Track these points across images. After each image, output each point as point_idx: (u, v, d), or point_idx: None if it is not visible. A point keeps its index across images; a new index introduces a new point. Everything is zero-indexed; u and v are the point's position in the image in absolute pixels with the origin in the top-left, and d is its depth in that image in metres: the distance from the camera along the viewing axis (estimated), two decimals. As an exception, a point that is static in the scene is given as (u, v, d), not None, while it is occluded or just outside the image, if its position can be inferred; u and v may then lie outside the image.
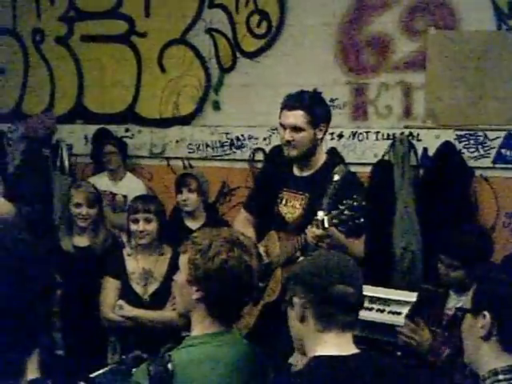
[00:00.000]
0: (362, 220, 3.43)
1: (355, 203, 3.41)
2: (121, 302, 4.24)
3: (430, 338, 3.70)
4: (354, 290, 2.23)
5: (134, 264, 4.35)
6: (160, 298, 4.24)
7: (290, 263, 3.77)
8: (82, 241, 4.60)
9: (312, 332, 2.25)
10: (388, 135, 5.52)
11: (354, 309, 2.27)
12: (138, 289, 4.31)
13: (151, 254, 4.36)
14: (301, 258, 2.37)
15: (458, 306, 3.57)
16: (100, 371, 3.60)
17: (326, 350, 2.21)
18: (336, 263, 2.29)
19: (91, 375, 3.49)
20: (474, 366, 2.36)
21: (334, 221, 3.47)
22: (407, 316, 4.06)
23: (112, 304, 4.26)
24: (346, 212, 3.42)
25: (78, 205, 4.55)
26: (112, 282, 4.32)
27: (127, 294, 4.29)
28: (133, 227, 4.32)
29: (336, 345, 2.21)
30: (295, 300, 2.27)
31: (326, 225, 3.48)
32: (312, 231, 3.54)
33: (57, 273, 1.82)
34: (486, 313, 2.29)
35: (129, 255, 4.38)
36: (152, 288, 4.30)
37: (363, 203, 3.42)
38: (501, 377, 2.23)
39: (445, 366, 3.56)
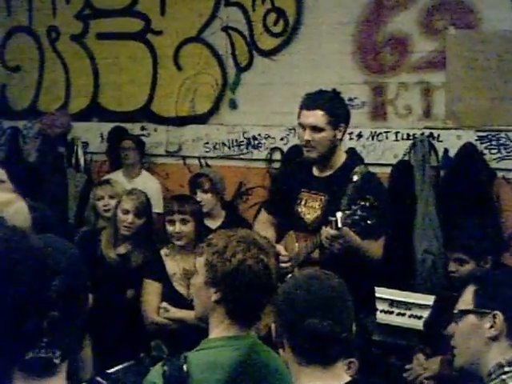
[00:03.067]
0: (374, 220, 3.40)
1: (367, 203, 3.39)
2: (165, 304, 4.19)
3: (436, 367, 3.78)
4: (330, 323, 2.04)
5: (174, 265, 4.28)
6: None
7: (306, 263, 3.75)
8: (120, 249, 4.50)
9: (292, 363, 2.12)
10: (408, 135, 5.45)
11: (334, 342, 2.07)
12: (181, 290, 4.24)
13: (190, 253, 4.21)
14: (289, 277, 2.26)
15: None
16: (117, 367, 3.57)
17: (309, 383, 2.08)
18: (313, 292, 2.09)
19: (108, 371, 3.46)
20: (475, 368, 2.31)
21: (347, 221, 3.45)
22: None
23: (155, 307, 4.20)
24: (358, 212, 3.40)
25: (126, 211, 4.42)
26: (153, 284, 4.25)
27: (170, 296, 4.22)
28: (169, 228, 4.24)
29: (320, 378, 2.07)
30: (273, 326, 2.15)
31: (340, 225, 3.46)
32: (326, 231, 3.52)
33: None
34: (498, 312, 2.25)
35: (167, 256, 4.31)
36: None
37: (375, 203, 3.39)
38: (507, 368, 2.20)
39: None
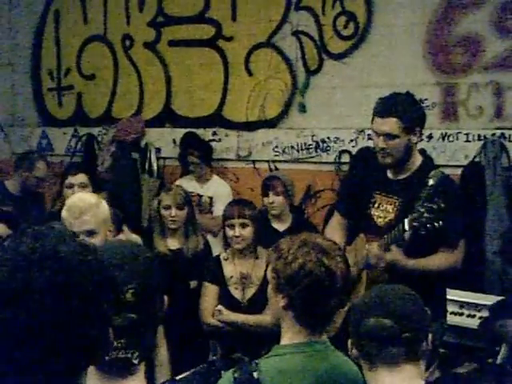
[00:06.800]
0: (441, 223, 3.34)
1: (435, 206, 3.34)
2: (220, 307, 4.29)
3: None
4: (389, 321, 2.09)
5: (231, 268, 4.37)
6: (258, 302, 4.21)
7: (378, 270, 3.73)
8: (173, 243, 4.68)
9: (364, 370, 2.17)
10: (479, 136, 5.38)
11: (395, 342, 2.09)
12: (236, 293, 4.34)
13: (248, 257, 4.37)
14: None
15: None
16: (184, 374, 3.61)
17: None
18: (373, 295, 2.20)
19: (176, 378, 3.50)
20: None
21: (414, 224, 3.40)
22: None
23: (211, 309, 4.31)
24: (425, 215, 3.36)
25: (167, 207, 4.64)
26: (210, 287, 4.36)
27: (226, 299, 4.32)
28: (229, 232, 4.35)
29: (387, 381, 2.09)
30: (349, 342, 2.24)
31: (407, 227, 3.42)
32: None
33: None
34: None
35: (225, 259, 4.41)
36: (250, 292, 4.32)
37: (442, 205, 3.34)
38: None
39: None
